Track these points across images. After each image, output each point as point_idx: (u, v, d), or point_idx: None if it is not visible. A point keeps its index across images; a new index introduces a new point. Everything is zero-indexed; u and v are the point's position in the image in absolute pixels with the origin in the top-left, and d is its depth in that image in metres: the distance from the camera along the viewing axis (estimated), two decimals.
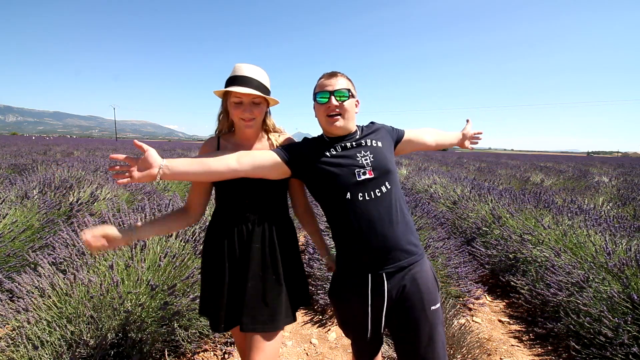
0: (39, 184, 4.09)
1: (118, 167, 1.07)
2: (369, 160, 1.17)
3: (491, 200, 4.57)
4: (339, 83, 1.20)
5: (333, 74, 1.23)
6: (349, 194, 1.14)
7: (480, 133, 1.65)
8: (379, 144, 1.24)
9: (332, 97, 1.18)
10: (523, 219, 3.64)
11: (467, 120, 1.67)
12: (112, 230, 1.08)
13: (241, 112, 1.21)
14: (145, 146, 1.07)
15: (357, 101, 1.29)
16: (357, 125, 1.30)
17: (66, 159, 9.48)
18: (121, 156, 1.06)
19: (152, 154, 1.07)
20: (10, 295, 1.96)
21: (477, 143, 1.68)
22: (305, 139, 1.33)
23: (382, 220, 1.13)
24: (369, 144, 1.22)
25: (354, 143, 1.22)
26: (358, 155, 1.19)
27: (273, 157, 1.22)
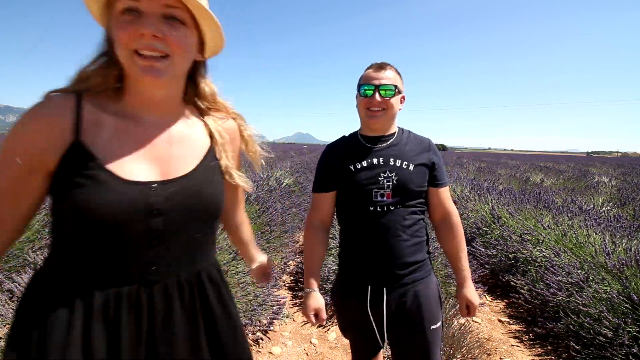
0: None
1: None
2: (391, 184, 1.11)
3: (491, 200, 4.57)
4: (387, 77, 1.12)
5: (382, 66, 1.14)
6: (362, 207, 1.13)
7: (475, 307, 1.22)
8: (410, 167, 1.13)
9: (377, 92, 1.11)
10: (523, 219, 3.65)
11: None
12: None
13: (135, 32, 0.56)
14: (310, 313, 1.14)
15: (403, 97, 1.20)
16: (399, 128, 1.22)
17: None
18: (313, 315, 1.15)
19: (313, 304, 1.14)
20: (11, 296, 1.96)
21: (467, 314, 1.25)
22: (332, 147, 1.24)
23: (388, 233, 1.11)
24: (397, 164, 1.13)
25: (381, 160, 1.14)
26: (382, 175, 1.12)
27: (325, 198, 1.20)
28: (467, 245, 3.94)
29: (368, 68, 1.17)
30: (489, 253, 3.42)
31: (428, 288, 1.16)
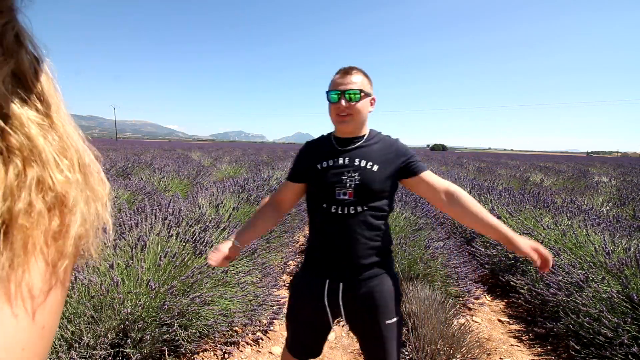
0: None
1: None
2: (353, 183, 1.15)
3: (491, 200, 4.58)
4: (352, 82, 1.15)
5: (347, 71, 1.18)
6: (325, 204, 1.18)
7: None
8: (374, 167, 1.17)
9: (343, 98, 1.15)
10: (523, 219, 3.65)
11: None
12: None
13: None
14: (221, 254, 1.17)
15: (373, 99, 1.24)
16: (371, 130, 1.26)
17: None
18: (220, 256, 1.19)
19: (224, 248, 1.18)
20: None
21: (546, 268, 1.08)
22: (308, 144, 1.32)
23: (348, 234, 1.16)
24: (362, 164, 1.17)
25: (346, 160, 1.19)
26: (346, 174, 1.16)
27: (290, 186, 1.29)
28: (467, 245, 3.93)
29: (336, 74, 1.21)
30: (489, 253, 3.42)
31: (384, 284, 1.19)
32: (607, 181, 8.55)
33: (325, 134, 1.33)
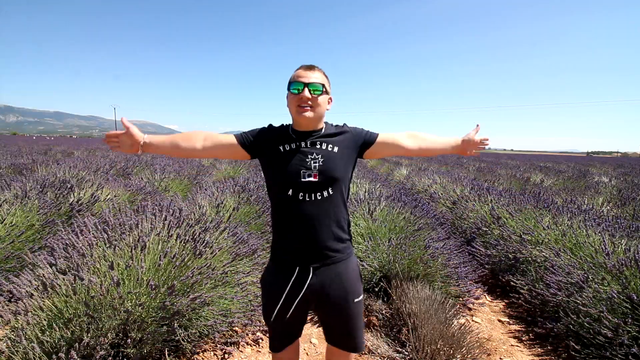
0: (39, 184, 4.09)
1: (113, 139, 1.28)
2: (317, 164, 1.21)
3: (491, 200, 4.58)
4: (315, 77, 1.22)
5: (310, 67, 1.24)
6: (291, 190, 1.21)
7: (487, 139, 1.47)
8: (335, 149, 1.25)
9: (306, 89, 1.20)
10: (522, 219, 3.65)
11: (477, 126, 1.50)
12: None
13: None
14: (128, 123, 1.25)
15: (330, 99, 1.31)
16: (326, 123, 1.33)
17: (67, 159, 9.48)
18: (115, 132, 1.28)
19: (134, 131, 1.25)
20: (10, 296, 1.96)
21: (484, 149, 1.53)
22: (271, 126, 1.35)
23: (316, 221, 1.21)
24: (323, 147, 1.25)
25: (309, 143, 1.24)
26: (309, 156, 1.22)
27: (231, 140, 1.29)
28: (467, 245, 3.93)
29: (298, 69, 1.26)
30: (489, 253, 3.42)
31: (348, 268, 1.31)
32: (607, 181, 8.55)
33: (284, 124, 1.36)
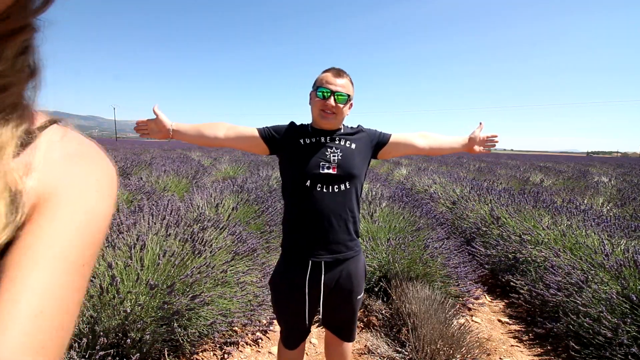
0: None
1: (142, 126, 1.35)
2: (336, 158, 1.24)
3: (491, 200, 4.57)
4: (342, 85, 1.23)
5: (340, 73, 1.26)
6: (309, 182, 1.23)
7: (496, 136, 1.50)
8: (353, 146, 1.29)
9: (332, 97, 1.21)
10: (522, 219, 3.65)
11: (480, 124, 1.54)
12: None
13: None
14: (158, 111, 1.32)
15: (351, 104, 1.34)
16: (343, 125, 1.36)
17: None
18: (144, 119, 1.35)
19: (163, 117, 1.31)
20: None
21: (494, 146, 1.53)
22: (293, 123, 1.37)
23: (331, 213, 1.23)
24: (342, 143, 1.28)
25: (328, 138, 1.27)
26: (329, 150, 1.25)
27: (253, 133, 1.32)
28: (467, 245, 3.93)
29: (326, 71, 1.27)
30: (489, 253, 3.42)
31: (357, 267, 1.34)
32: (607, 181, 8.55)
33: (305, 123, 1.39)
